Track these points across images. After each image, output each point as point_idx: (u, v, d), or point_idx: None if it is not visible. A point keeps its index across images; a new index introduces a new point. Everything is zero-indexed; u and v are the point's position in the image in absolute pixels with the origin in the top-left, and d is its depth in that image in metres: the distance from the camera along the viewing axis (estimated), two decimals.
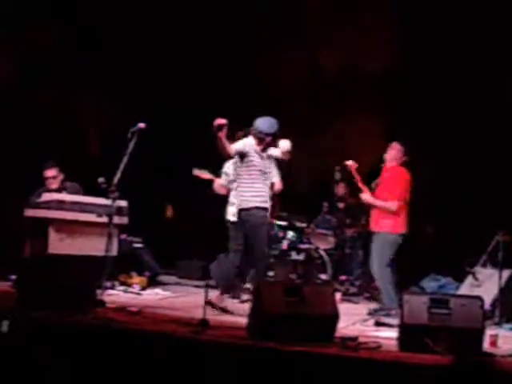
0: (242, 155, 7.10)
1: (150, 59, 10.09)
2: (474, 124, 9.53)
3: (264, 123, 7.19)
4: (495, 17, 9.22)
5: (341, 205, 9.87)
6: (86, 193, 7.94)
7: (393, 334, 6.06)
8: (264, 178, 7.22)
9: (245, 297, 8.05)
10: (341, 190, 9.81)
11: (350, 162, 8.02)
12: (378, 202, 7.76)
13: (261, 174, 7.19)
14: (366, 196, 7.85)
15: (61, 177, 8.28)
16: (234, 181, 7.51)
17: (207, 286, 6.62)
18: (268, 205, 7.28)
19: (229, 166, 7.92)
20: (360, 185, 7.92)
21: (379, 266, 7.58)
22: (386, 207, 7.66)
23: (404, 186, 7.71)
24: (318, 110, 10.28)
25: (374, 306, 8.12)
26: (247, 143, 7.18)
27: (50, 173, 8.27)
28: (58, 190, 8.11)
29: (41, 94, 9.46)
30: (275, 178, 7.76)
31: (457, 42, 9.49)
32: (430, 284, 8.87)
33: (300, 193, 10.04)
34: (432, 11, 9.48)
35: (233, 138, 7.27)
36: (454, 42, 9.51)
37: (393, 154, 7.86)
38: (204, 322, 6.00)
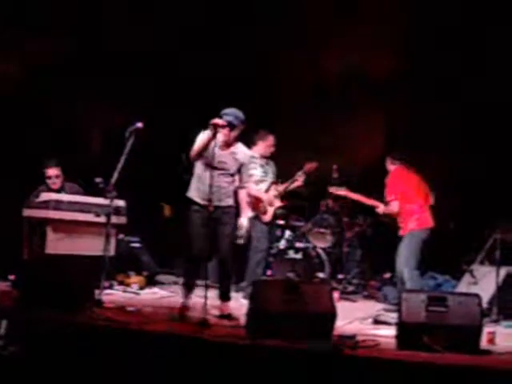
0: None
1: (151, 58, 10.08)
2: (473, 124, 9.57)
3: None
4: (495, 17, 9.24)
5: (335, 207, 9.87)
6: (85, 193, 7.95)
7: (391, 332, 6.07)
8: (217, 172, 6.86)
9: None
10: (331, 203, 9.85)
11: (339, 191, 8.61)
12: (382, 208, 8.23)
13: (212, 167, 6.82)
14: (381, 209, 8.23)
15: (62, 177, 8.24)
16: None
17: (206, 286, 6.63)
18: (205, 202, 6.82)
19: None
20: (370, 203, 8.31)
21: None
22: (389, 211, 8.12)
23: (397, 184, 8.07)
24: (318, 110, 10.28)
25: (375, 307, 8.13)
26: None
27: (54, 172, 8.17)
28: (58, 191, 8.09)
29: (41, 94, 9.46)
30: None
31: (457, 43, 9.51)
32: (427, 282, 8.88)
33: (298, 192, 10.03)
34: (433, 13, 9.49)
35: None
36: (455, 43, 9.52)
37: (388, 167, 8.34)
38: (203, 322, 6.02)
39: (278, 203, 8.53)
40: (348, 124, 9.91)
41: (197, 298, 6.95)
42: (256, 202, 8.36)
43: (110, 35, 9.72)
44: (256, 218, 8.35)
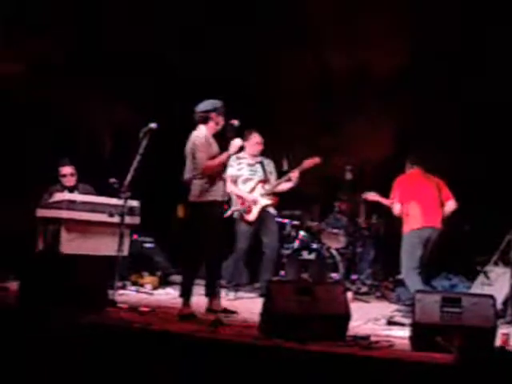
0: None
1: (161, 59, 10.10)
2: (473, 124, 9.57)
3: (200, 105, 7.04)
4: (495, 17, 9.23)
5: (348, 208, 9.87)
6: (98, 193, 7.98)
7: (405, 332, 6.05)
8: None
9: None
10: (343, 206, 9.83)
11: (371, 196, 8.58)
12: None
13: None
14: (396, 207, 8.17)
15: (76, 175, 8.29)
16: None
17: (220, 287, 6.66)
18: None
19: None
20: (390, 204, 8.22)
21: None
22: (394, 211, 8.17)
23: (396, 188, 8.11)
24: (328, 110, 10.28)
25: (388, 308, 8.13)
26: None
27: (68, 170, 8.24)
28: (72, 189, 8.13)
29: (52, 94, 9.49)
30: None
31: (457, 43, 9.50)
32: (441, 283, 8.86)
33: (311, 192, 10.03)
34: (436, 10, 9.48)
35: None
36: (455, 43, 9.51)
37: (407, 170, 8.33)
38: (216, 322, 6.02)
39: (265, 202, 8.46)
40: (351, 124, 9.91)
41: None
42: (240, 201, 8.38)
43: (110, 35, 9.74)
44: (240, 218, 8.36)
